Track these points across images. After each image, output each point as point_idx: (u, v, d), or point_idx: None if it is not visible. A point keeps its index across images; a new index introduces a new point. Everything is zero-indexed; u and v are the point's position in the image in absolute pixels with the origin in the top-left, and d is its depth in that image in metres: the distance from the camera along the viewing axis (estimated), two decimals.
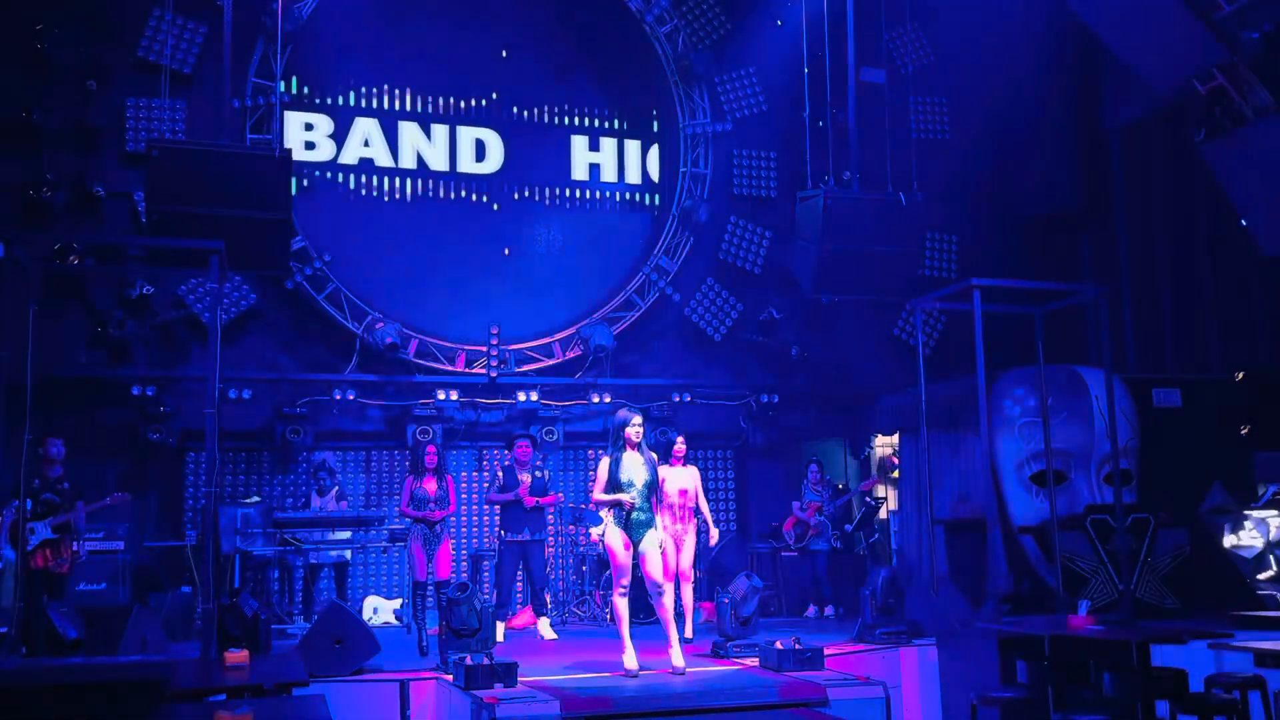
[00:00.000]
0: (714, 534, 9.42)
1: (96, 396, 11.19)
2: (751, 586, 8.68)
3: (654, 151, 13.80)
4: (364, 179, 12.70)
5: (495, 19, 13.18)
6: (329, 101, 12.60)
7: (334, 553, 10.70)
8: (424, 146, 12.91)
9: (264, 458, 12.10)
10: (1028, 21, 14.00)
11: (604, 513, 7.81)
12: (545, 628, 10.22)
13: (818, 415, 13.80)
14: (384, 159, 12.76)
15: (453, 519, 9.90)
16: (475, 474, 12.63)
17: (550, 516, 11.04)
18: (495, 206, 13.15)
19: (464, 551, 12.02)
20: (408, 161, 12.85)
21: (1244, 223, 11.74)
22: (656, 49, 13.76)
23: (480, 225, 13.06)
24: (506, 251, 13.09)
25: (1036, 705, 7.03)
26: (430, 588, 9.44)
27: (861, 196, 12.53)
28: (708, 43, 13.76)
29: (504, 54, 13.21)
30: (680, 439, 10.06)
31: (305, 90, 12.53)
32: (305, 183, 12.36)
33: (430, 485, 9.57)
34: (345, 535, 10.67)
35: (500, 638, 9.20)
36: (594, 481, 7.88)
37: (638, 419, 7.73)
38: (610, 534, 7.64)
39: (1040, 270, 13.56)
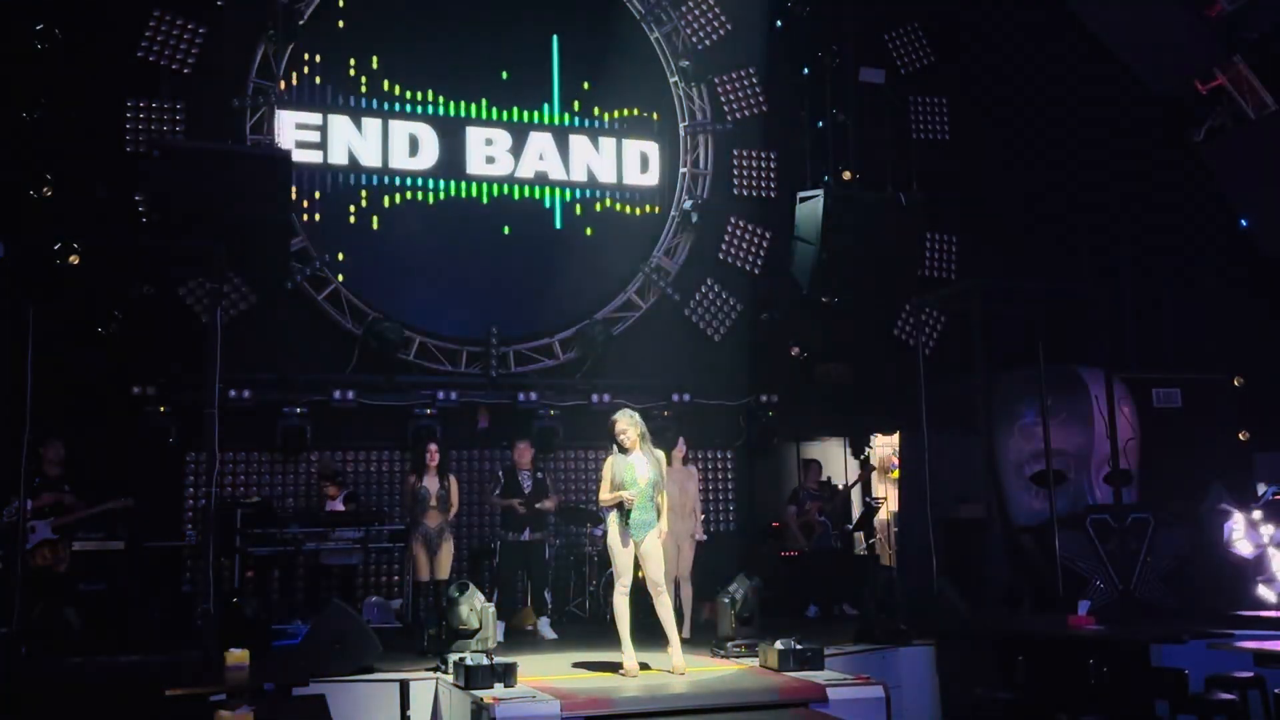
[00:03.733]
0: (700, 535, 9.59)
1: (96, 396, 11.17)
2: (751, 586, 8.68)
3: (654, 152, 13.78)
4: (364, 179, 12.67)
5: (495, 19, 13.15)
6: (329, 101, 12.57)
7: (335, 552, 10.70)
8: (425, 146, 12.89)
9: (264, 458, 12.08)
10: (1027, 21, 14.02)
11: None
12: (545, 627, 10.23)
13: (817, 415, 13.77)
14: (384, 159, 12.73)
15: (454, 519, 9.87)
16: (476, 474, 12.60)
17: (550, 517, 11.03)
18: (510, 221, 13.13)
19: (464, 551, 11.99)
20: (407, 161, 12.81)
21: (1244, 223, 11.76)
22: (656, 49, 13.76)
23: (481, 225, 13.04)
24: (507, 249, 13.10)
25: (1036, 705, 7.03)
26: (431, 588, 9.43)
27: (861, 196, 12.53)
28: (707, 43, 13.74)
29: (503, 54, 13.19)
30: (681, 440, 10.08)
31: (305, 90, 12.50)
32: (305, 182, 12.32)
33: (431, 485, 9.56)
34: (346, 535, 10.66)
35: (500, 638, 9.19)
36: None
37: (624, 421, 7.68)
38: (612, 534, 7.64)
39: (1039, 270, 13.56)
